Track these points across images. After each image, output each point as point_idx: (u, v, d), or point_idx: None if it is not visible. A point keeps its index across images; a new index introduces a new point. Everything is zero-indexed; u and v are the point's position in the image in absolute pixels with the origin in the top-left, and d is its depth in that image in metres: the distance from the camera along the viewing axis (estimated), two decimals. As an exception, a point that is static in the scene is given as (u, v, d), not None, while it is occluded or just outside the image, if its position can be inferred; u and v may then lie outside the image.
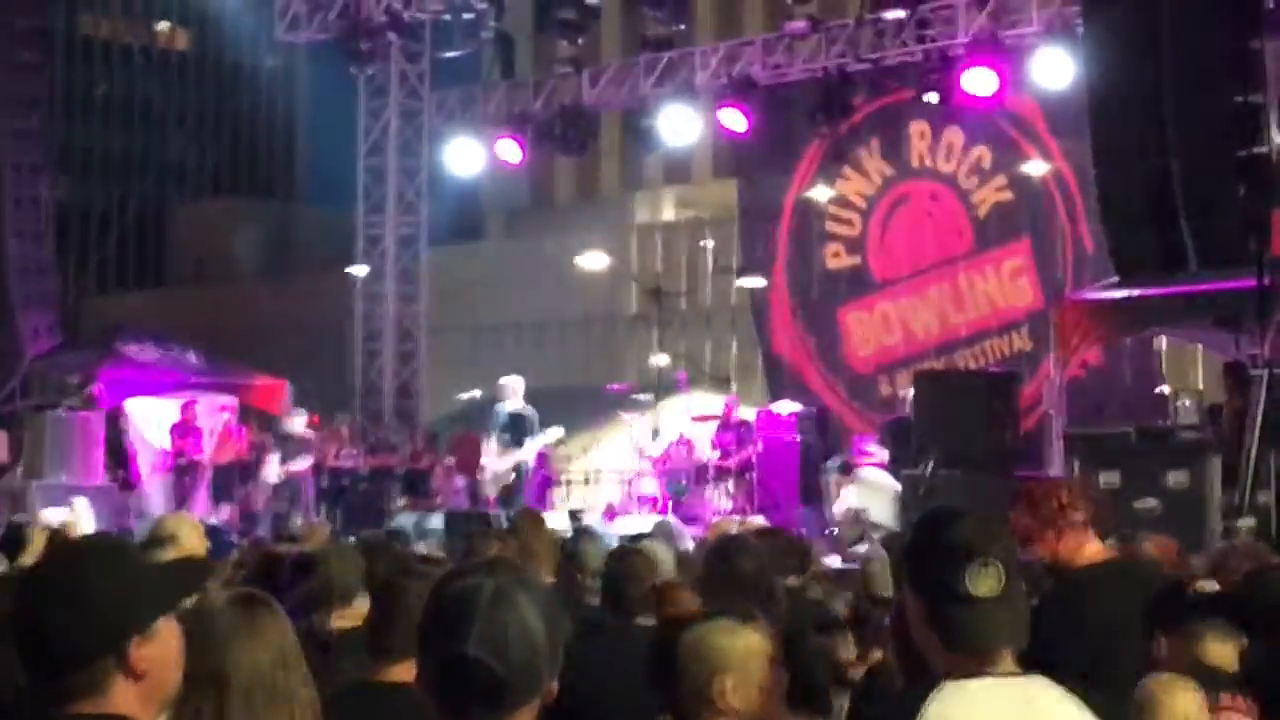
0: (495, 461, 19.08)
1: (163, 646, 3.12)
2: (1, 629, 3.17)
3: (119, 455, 22.81)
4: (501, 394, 19.49)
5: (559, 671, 2.92)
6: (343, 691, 4.64)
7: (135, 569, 3.17)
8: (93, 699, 3.04)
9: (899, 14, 21.81)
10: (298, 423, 21.99)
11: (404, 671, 4.34)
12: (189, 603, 3.56)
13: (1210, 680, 4.84)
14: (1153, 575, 5.99)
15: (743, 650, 4.10)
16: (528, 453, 19.12)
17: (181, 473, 22.09)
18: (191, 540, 6.78)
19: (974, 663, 3.40)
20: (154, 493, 22.28)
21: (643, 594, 6.28)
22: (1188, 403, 14.46)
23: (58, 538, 8.82)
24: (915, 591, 3.52)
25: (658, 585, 6.32)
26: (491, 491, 19.14)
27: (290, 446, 21.68)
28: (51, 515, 13.02)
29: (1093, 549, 5.84)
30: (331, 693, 4.35)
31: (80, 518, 9.11)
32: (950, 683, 3.39)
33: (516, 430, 19.09)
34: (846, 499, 16.60)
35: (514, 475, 19.05)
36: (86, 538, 3.81)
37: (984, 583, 3.37)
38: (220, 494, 21.93)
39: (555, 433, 19.73)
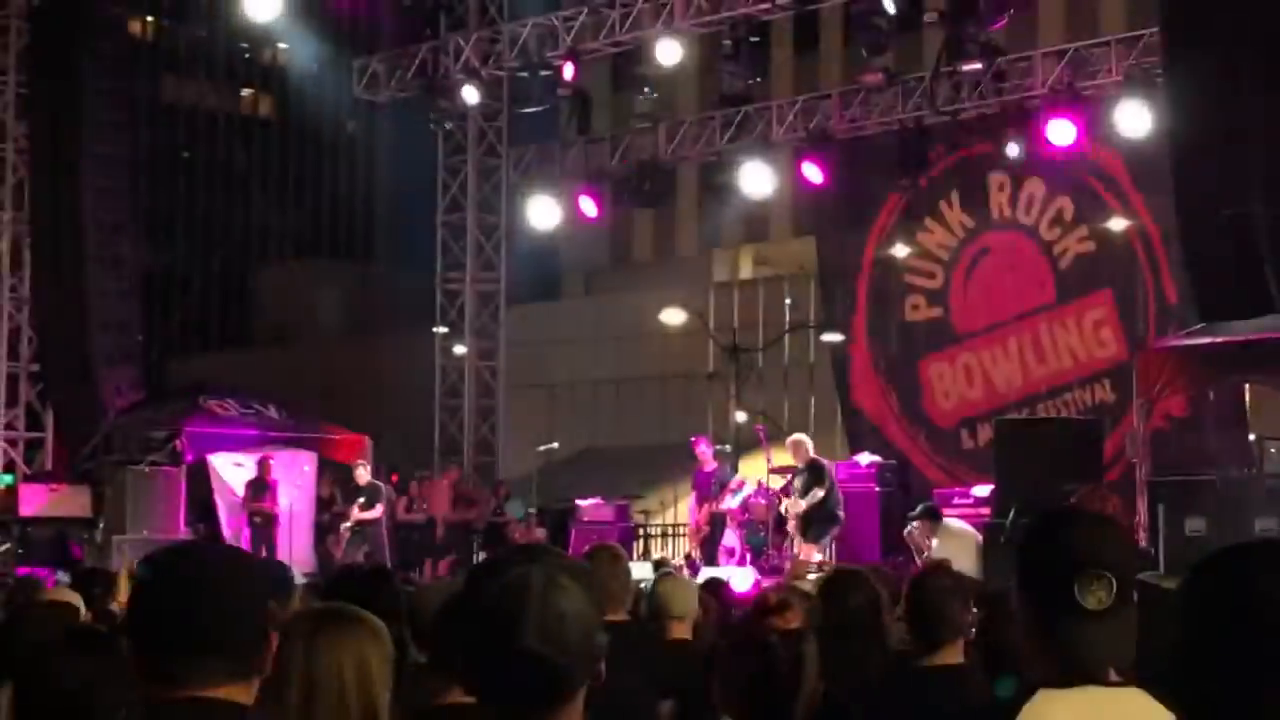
0: None
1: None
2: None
3: (202, 509, 22.96)
4: None
5: (605, 655, 2.81)
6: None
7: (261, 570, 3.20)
8: (233, 684, 3.05)
9: (976, 66, 21.72)
10: (363, 473, 22.14)
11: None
12: None
13: None
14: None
15: None
16: None
17: (258, 528, 22.19)
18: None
19: (1074, 675, 3.31)
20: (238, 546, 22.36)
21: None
22: (1274, 449, 14.27)
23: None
24: (1023, 594, 3.41)
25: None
26: None
27: (361, 495, 21.86)
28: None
29: None
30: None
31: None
32: (1046, 691, 3.31)
33: None
34: (931, 548, 16.42)
35: None
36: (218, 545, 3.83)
37: (1093, 595, 3.25)
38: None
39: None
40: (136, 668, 3.13)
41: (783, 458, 23.07)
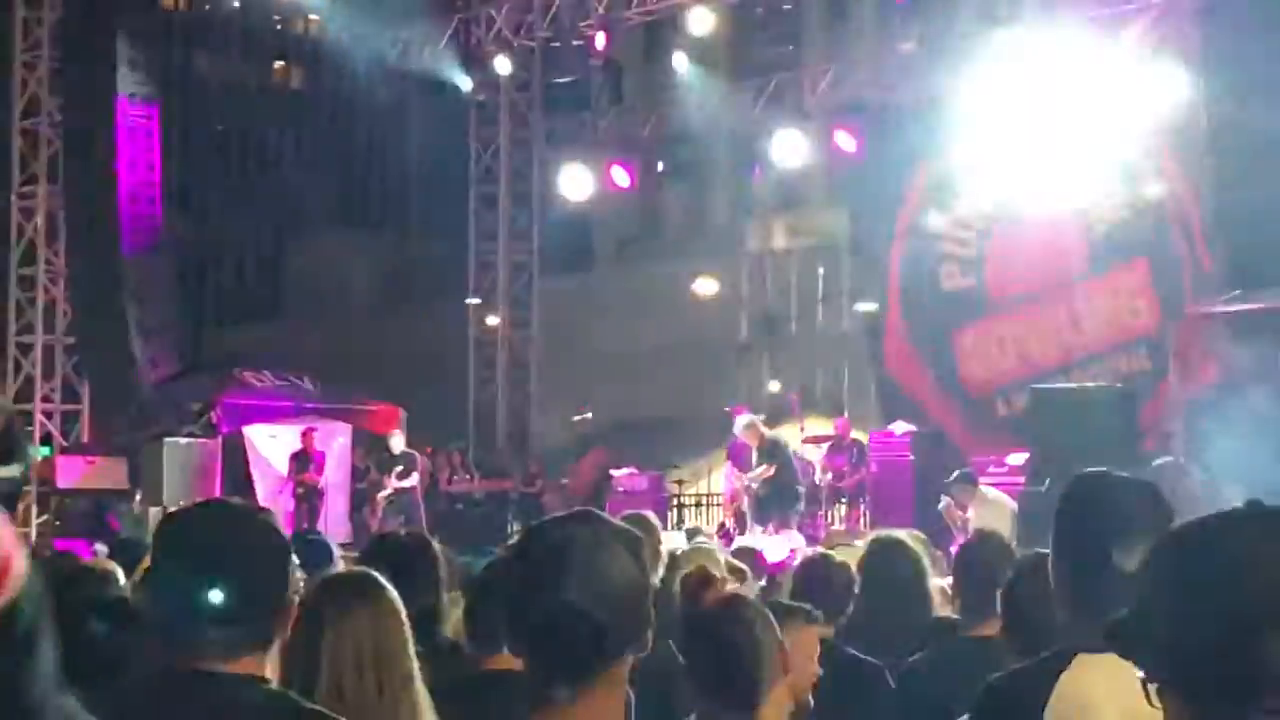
0: None
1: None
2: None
3: (238, 481, 23.05)
4: None
5: (651, 627, 2.76)
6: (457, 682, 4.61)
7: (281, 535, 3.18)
8: (255, 656, 2.99)
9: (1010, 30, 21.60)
10: (398, 442, 22.22)
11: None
12: None
13: None
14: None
15: None
16: None
17: (302, 500, 22.28)
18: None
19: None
20: (273, 518, 22.45)
21: None
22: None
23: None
24: (1060, 559, 3.39)
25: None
26: None
27: (397, 464, 21.95)
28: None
29: None
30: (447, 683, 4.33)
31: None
32: (1084, 656, 3.29)
33: None
34: (968, 516, 16.33)
35: None
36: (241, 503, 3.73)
37: (1131, 559, 3.22)
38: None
39: None
40: (157, 635, 3.08)
41: (814, 426, 23.10)
